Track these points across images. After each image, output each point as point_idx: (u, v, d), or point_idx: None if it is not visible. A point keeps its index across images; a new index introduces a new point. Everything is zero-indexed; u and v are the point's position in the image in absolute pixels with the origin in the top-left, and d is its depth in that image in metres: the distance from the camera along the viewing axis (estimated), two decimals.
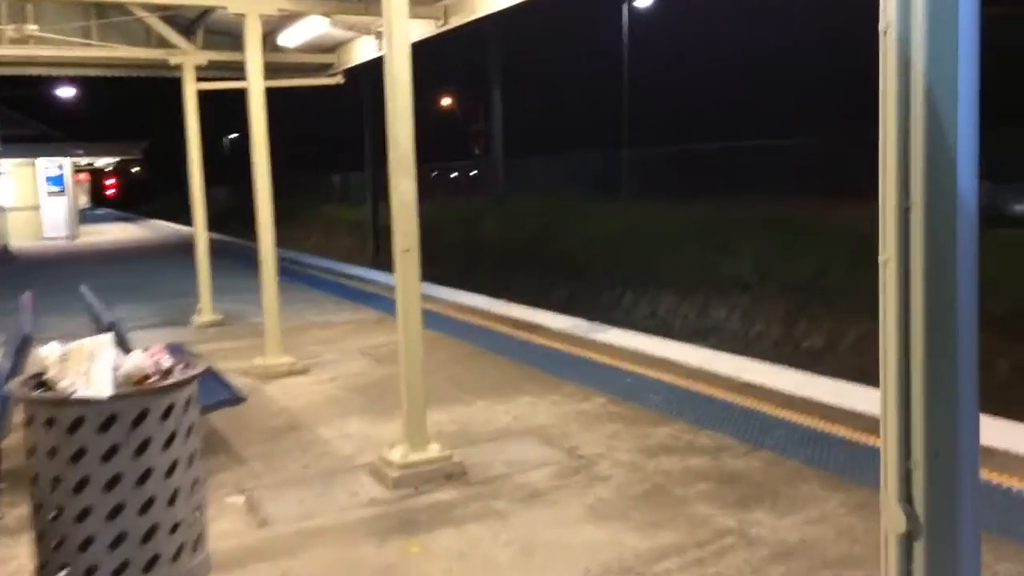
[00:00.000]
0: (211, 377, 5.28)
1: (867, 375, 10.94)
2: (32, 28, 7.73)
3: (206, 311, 9.95)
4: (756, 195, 18.41)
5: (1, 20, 8.37)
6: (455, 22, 7.58)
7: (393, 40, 4.60)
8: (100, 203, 71.64)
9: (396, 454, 4.62)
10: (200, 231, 9.95)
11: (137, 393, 2.83)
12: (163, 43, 9.26)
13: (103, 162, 42.28)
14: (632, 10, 28.33)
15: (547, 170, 27.27)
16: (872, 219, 2.05)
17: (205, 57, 9.29)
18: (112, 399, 2.76)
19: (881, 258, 1.93)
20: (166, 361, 3.07)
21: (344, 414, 6.00)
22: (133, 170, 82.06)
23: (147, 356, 3.06)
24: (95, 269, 17.66)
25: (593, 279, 18.00)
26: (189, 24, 9.43)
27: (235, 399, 4.89)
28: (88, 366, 2.80)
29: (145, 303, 12.08)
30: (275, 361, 7.25)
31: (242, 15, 6.91)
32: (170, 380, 2.95)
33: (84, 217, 45.19)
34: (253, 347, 7.94)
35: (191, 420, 3.01)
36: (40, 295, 13.52)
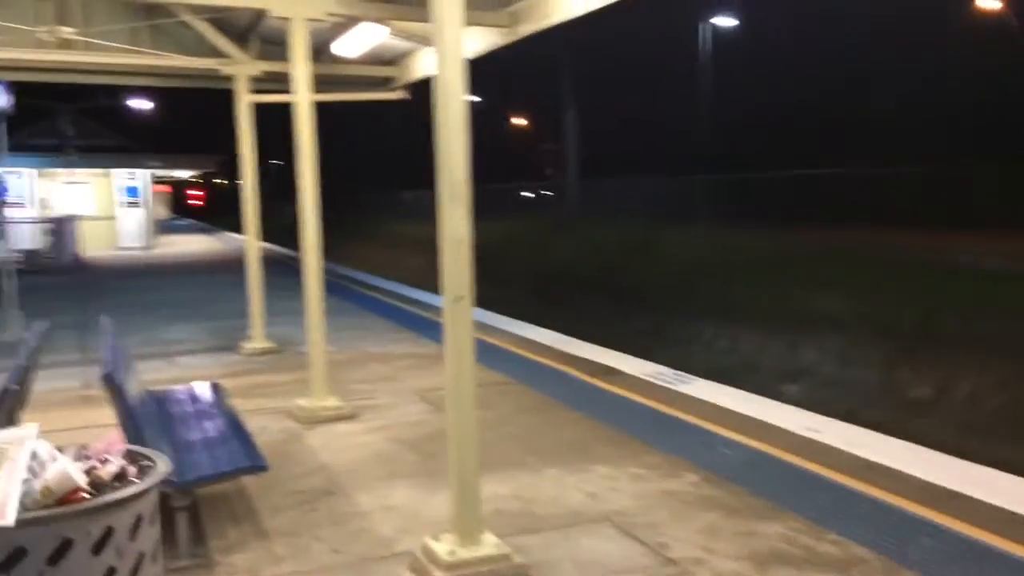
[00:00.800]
0: (232, 435, 4.52)
1: (981, 434, 9.58)
2: (68, 31, 7.21)
3: (257, 337, 9.30)
4: (853, 226, 17.15)
5: (49, 21, 7.92)
6: (524, 31, 6.79)
7: (445, 48, 3.76)
8: (184, 214, 73.31)
9: (443, 548, 3.76)
10: (252, 250, 9.33)
11: (57, 516, 2.03)
12: (216, 53, 8.69)
13: (185, 174, 42.88)
14: (714, 30, 27.30)
15: (622, 193, 26.26)
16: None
17: (259, 68, 8.68)
18: (19, 526, 1.96)
19: None
20: (114, 463, 2.26)
21: (390, 477, 5.17)
22: (216, 182, 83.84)
23: (94, 452, 2.26)
24: (161, 282, 17.37)
25: (670, 310, 16.95)
26: (242, 32, 8.85)
27: (254, 467, 4.10)
28: None
29: (201, 323, 11.57)
30: (320, 403, 6.49)
31: (287, 19, 6.22)
32: (108, 496, 2.13)
33: (164, 228, 45.88)
34: (301, 382, 7.17)
35: (142, 549, 2.18)
36: (99, 308, 13.15)
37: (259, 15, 8.21)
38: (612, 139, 37.30)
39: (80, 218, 23.86)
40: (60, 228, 20.78)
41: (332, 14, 6.58)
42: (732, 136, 29.25)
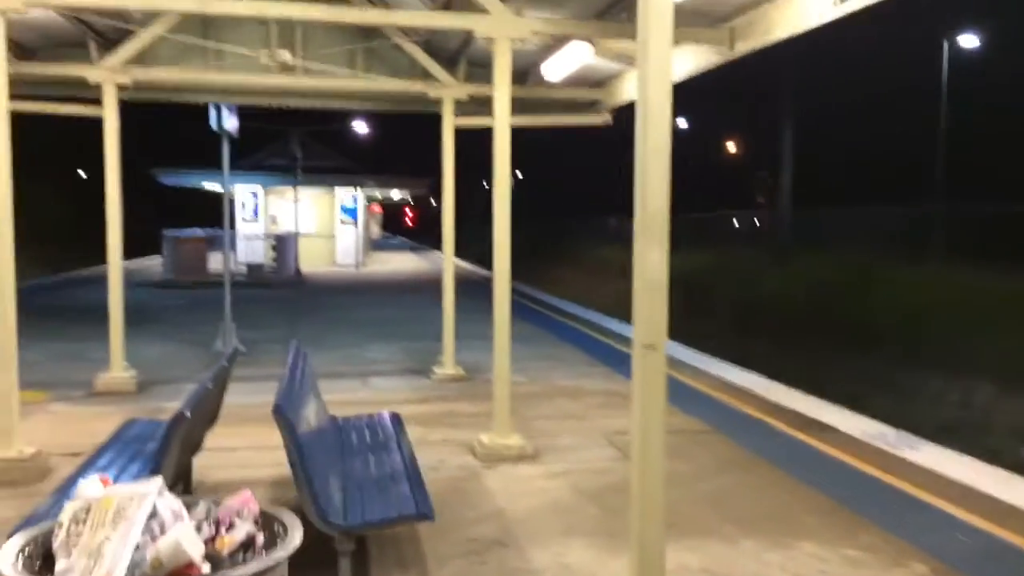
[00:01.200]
0: (404, 476, 4.29)
1: None
2: (285, 55, 7.42)
3: (447, 363, 9.22)
4: None
5: (273, 45, 8.25)
6: (743, 48, 6.20)
7: (649, 68, 3.34)
8: (399, 232, 77.34)
9: None
10: (448, 274, 9.29)
11: None
12: (425, 76, 8.74)
13: (399, 194, 44.98)
14: (954, 48, 24.98)
15: (843, 223, 24.42)
16: None
17: (465, 91, 8.62)
18: None
19: None
20: (241, 529, 1.99)
21: (568, 532, 4.76)
22: (431, 202, 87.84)
23: (225, 512, 2.01)
24: (368, 300, 18.03)
25: (891, 356, 15.43)
26: (452, 56, 8.86)
27: (421, 516, 3.82)
28: (104, 539, 1.80)
29: (399, 343, 11.70)
30: (501, 441, 6.19)
31: (490, 40, 6.03)
32: (226, 573, 1.85)
33: (377, 245, 48.41)
34: (487, 415, 6.84)
35: None
36: (309, 323, 13.69)
37: (467, 39, 8.17)
38: (833, 165, 35.14)
39: (301, 235, 25.46)
40: (283, 244, 22.20)
41: (537, 33, 6.33)
42: (971, 164, 26.63)
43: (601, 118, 8.93)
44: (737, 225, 34.62)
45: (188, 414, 3.50)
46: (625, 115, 9.02)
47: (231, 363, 4.97)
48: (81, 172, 57.75)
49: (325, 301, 17.65)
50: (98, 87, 8.01)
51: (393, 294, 19.68)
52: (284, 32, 8.63)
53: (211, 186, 29.02)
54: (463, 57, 8.77)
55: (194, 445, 4.71)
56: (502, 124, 6.24)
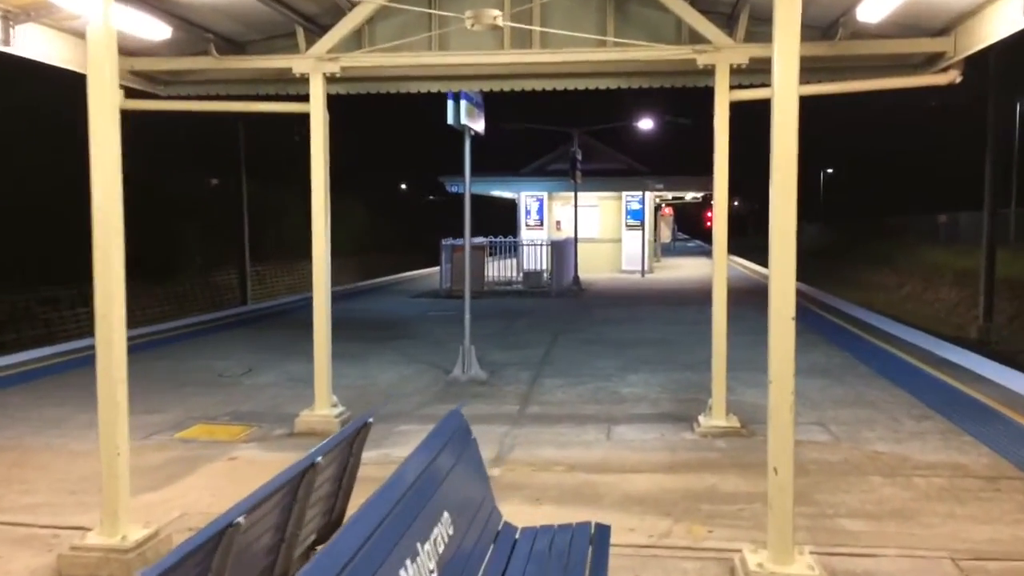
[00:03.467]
0: None
1: None
2: (495, 15, 5.76)
3: (717, 410, 7.05)
4: None
5: (504, 10, 6.71)
6: None
7: None
8: (697, 235, 74.45)
9: None
10: (719, 287, 7.09)
11: None
12: (694, 38, 6.73)
13: (693, 195, 42.60)
14: None
15: None
16: None
17: (745, 54, 6.46)
18: None
19: None
20: None
21: None
22: (733, 203, 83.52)
23: None
24: (645, 314, 16.10)
25: None
26: (728, 11, 6.75)
27: None
28: None
29: (666, 373, 9.65)
30: (777, 567, 4.02)
31: None
32: None
33: (669, 250, 46.27)
34: (763, 499, 4.50)
35: None
36: (568, 342, 12.11)
37: None
38: None
39: (587, 240, 24.18)
40: (559, 250, 20.97)
41: None
42: None
43: (947, 77, 6.25)
44: None
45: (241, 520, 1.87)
46: (981, 68, 6.29)
47: (350, 439, 3.38)
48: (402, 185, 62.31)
49: (597, 314, 16.02)
50: (304, 79, 6.96)
51: (676, 306, 17.56)
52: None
53: (498, 193, 28.84)
54: (742, 10, 6.62)
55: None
56: (785, 88, 4.10)
